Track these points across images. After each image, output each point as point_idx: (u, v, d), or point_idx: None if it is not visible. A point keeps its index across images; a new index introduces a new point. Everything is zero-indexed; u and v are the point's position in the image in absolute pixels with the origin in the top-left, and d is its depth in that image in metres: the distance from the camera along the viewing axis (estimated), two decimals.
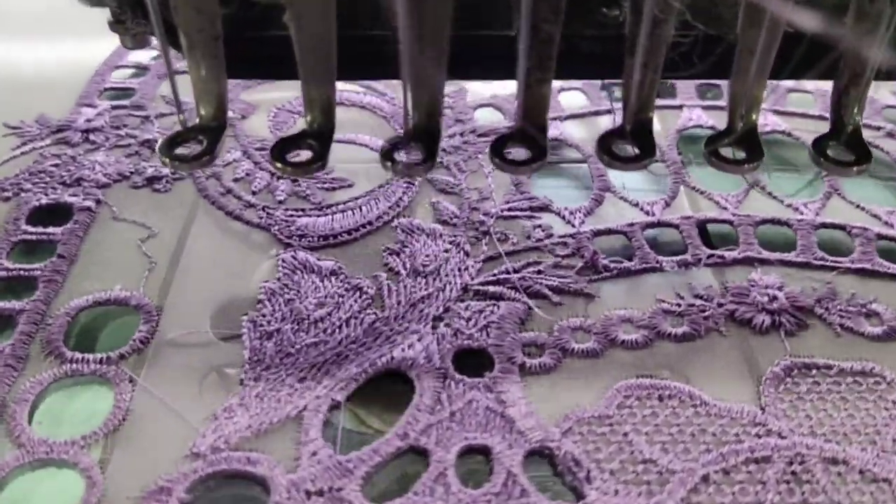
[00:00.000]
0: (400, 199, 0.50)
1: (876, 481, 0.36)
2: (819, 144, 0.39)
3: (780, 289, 0.44)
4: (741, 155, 0.38)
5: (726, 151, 0.38)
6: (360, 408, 0.39)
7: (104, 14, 0.39)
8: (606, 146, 0.38)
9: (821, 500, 0.35)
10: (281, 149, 0.38)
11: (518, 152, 0.38)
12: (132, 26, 0.39)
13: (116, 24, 0.39)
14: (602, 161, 0.38)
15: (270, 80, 0.58)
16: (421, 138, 0.37)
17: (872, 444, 0.37)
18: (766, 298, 0.44)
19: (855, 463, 0.37)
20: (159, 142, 0.38)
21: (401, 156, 0.37)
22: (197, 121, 0.38)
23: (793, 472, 0.36)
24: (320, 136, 0.38)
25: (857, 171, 0.39)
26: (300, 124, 0.43)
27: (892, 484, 0.36)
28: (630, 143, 0.38)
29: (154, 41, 0.40)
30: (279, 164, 0.38)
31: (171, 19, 0.36)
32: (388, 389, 0.40)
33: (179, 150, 0.38)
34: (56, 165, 0.53)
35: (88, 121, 0.56)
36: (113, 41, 0.40)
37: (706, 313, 0.43)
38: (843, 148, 0.39)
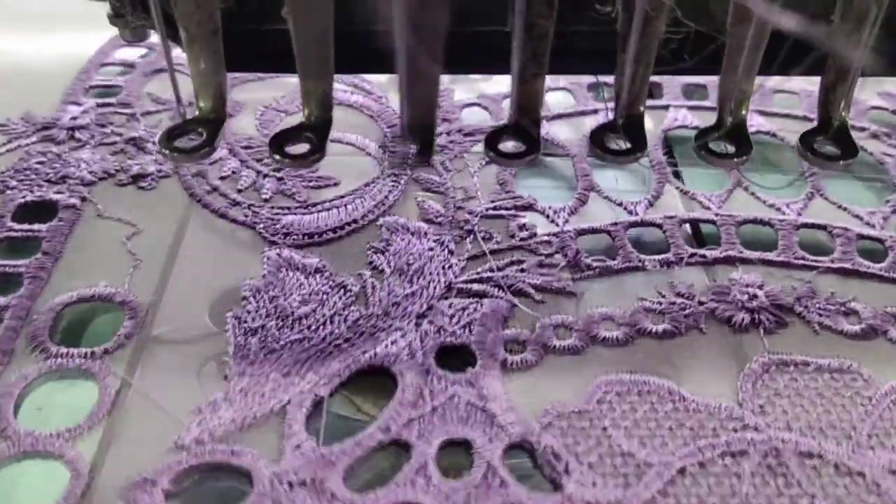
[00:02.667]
0: (385, 197, 0.51)
1: (850, 474, 0.36)
2: (806, 139, 0.40)
3: (760, 287, 0.45)
4: (730, 149, 0.39)
5: (716, 145, 0.39)
6: (351, 394, 0.40)
7: (95, 7, 0.40)
8: (599, 140, 0.39)
9: (795, 492, 0.36)
10: (280, 141, 0.39)
11: (512, 145, 0.40)
12: (132, 20, 0.40)
13: (116, 18, 0.40)
14: (594, 154, 0.40)
15: (269, 73, 0.59)
16: (415, 132, 0.38)
17: (848, 439, 0.38)
18: (746, 297, 0.44)
19: (830, 457, 0.37)
20: (158, 134, 0.39)
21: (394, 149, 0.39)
22: (196, 113, 0.39)
23: (768, 466, 0.37)
24: (318, 129, 0.39)
25: (844, 166, 0.40)
26: (287, 122, 0.44)
27: (867, 477, 0.36)
28: (622, 138, 0.39)
29: (152, 34, 0.40)
30: (278, 157, 0.38)
31: (171, 13, 0.36)
32: (372, 384, 0.40)
33: (178, 143, 0.39)
34: (41, 163, 0.53)
35: (74, 118, 0.57)
36: (100, 36, 0.41)
37: (687, 311, 0.44)
38: (830, 143, 0.40)
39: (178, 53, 0.39)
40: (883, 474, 0.37)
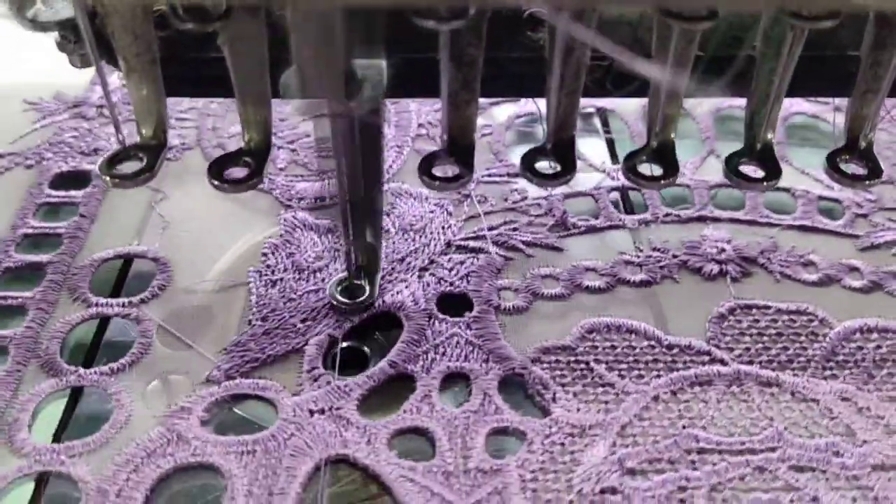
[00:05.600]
0: (390, 165, 0.56)
1: (805, 401, 0.41)
2: (731, 161, 0.40)
3: (728, 242, 0.50)
4: (657, 171, 0.40)
5: (644, 168, 0.40)
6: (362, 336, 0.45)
7: None
8: (529, 163, 0.40)
9: (755, 415, 0.40)
10: (219, 166, 0.40)
11: (447, 170, 0.40)
12: (75, 48, 0.40)
13: (63, 45, 0.40)
14: (525, 178, 0.40)
15: (211, 98, 0.60)
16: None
17: (803, 371, 0.43)
18: (715, 250, 0.49)
19: (787, 385, 0.42)
20: (99, 161, 0.40)
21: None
22: (137, 139, 0.40)
23: (732, 393, 0.41)
24: (257, 155, 0.40)
25: (766, 188, 0.40)
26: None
27: (820, 403, 0.41)
28: (552, 160, 0.40)
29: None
30: (216, 182, 0.39)
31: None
32: (381, 328, 0.45)
33: (119, 168, 0.39)
34: (74, 137, 0.57)
35: (102, 97, 0.61)
36: None
37: (662, 263, 0.49)
38: (755, 164, 0.40)
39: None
40: (835, 401, 0.41)
